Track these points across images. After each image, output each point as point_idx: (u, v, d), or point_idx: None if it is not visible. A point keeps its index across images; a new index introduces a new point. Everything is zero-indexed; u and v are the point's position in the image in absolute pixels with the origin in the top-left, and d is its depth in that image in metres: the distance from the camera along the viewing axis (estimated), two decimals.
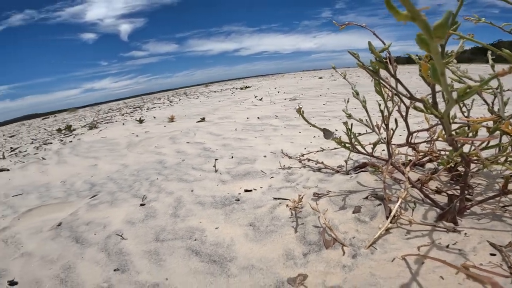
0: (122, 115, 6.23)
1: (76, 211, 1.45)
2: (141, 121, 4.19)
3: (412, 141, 1.32)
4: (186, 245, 1.02)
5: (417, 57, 0.82)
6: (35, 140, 4.63)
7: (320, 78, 10.76)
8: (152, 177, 1.76)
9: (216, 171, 1.70)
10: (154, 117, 4.62)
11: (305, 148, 1.91)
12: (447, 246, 0.76)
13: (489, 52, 0.91)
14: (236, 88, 10.00)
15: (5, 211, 1.60)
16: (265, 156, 1.84)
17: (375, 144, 1.04)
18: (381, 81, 0.85)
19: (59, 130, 4.82)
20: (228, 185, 1.49)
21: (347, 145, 0.98)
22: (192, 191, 1.47)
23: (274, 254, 0.89)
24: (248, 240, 0.99)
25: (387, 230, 0.85)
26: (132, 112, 6.47)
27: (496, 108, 1.01)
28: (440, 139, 1.22)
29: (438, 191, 1.06)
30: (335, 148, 1.65)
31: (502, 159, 0.89)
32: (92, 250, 1.07)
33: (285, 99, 4.94)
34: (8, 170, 2.61)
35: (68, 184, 1.93)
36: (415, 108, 0.69)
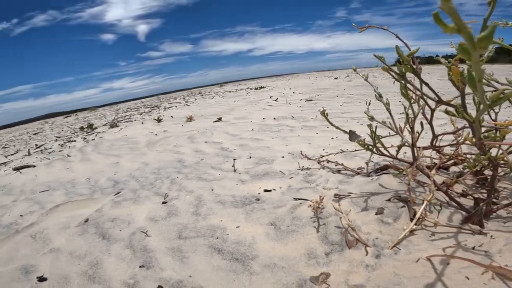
0: (140, 114, 6.40)
1: (101, 207, 1.50)
2: (159, 120, 4.29)
3: (437, 144, 1.30)
4: (208, 243, 1.05)
5: (446, 61, 0.81)
6: (59, 137, 4.84)
7: (336, 78, 10.63)
8: (172, 176, 1.80)
9: (235, 170, 1.73)
10: (172, 117, 4.72)
11: (323, 150, 1.90)
12: (473, 248, 0.75)
13: None
14: (251, 88, 10.03)
15: (33, 207, 1.67)
16: (283, 157, 1.84)
17: (399, 147, 1.02)
18: (408, 84, 0.84)
19: (81, 128, 5.01)
20: (247, 184, 1.51)
21: (370, 147, 0.97)
22: (212, 190, 1.50)
23: (296, 253, 0.90)
24: (269, 239, 1.00)
25: (411, 232, 0.84)
26: (150, 112, 6.63)
27: None
28: (466, 142, 1.19)
29: (463, 194, 1.04)
30: (355, 150, 1.64)
31: None
32: (118, 247, 1.11)
33: (300, 99, 4.92)
34: (34, 166, 2.74)
35: (92, 181, 2.01)
36: (447, 112, 0.68)
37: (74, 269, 1.01)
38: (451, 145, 1.27)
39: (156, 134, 3.30)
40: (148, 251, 1.05)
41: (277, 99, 5.40)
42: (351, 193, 1.14)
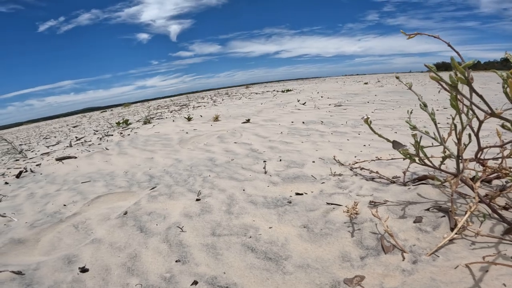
0: (171, 112, 6.65)
1: (138, 201, 1.59)
2: (189, 119, 4.44)
3: (481, 157, 1.24)
4: (241, 241, 1.08)
5: (504, 74, 0.78)
6: (97, 131, 5.16)
7: (366, 83, 10.34)
8: (204, 174, 1.87)
9: (265, 172, 1.75)
10: (201, 116, 4.86)
11: (355, 156, 1.88)
12: None
13: None
14: (277, 91, 10.05)
15: (75, 197, 1.78)
16: (313, 162, 1.84)
17: (444, 158, 1.00)
18: (460, 95, 0.82)
19: (118, 123, 5.31)
20: (278, 187, 1.53)
21: (413, 157, 0.95)
22: (243, 190, 1.54)
23: (330, 256, 0.90)
24: (302, 241, 1.02)
25: (451, 241, 0.83)
26: (179, 110, 6.87)
27: None
28: None
29: (506, 207, 0.99)
30: (391, 159, 1.60)
31: None
32: (155, 240, 1.16)
33: (329, 104, 4.86)
34: (75, 157, 2.95)
35: (129, 175, 2.13)
36: (503, 126, 0.66)
37: (114, 260, 1.05)
38: (495, 158, 1.21)
39: (187, 132, 3.42)
40: (183, 246, 1.09)
41: (305, 103, 5.37)
42: (387, 201, 1.12)
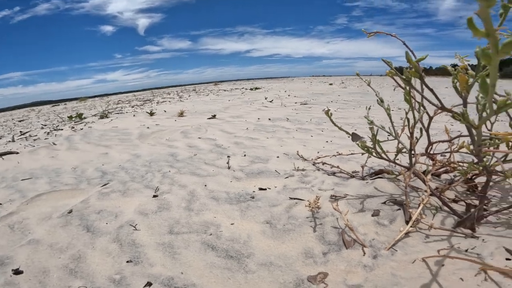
0: (132, 107, 6.28)
1: (87, 198, 1.44)
2: (152, 113, 4.22)
3: (431, 152, 1.31)
4: (202, 239, 1.02)
5: (453, 68, 0.81)
6: (45, 125, 4.68)
7: (331, 84, 10.74)
8: (164, 169, 1.76)
9: (229, 167, 1.70)
10: (165, 111, 4.65)
11: (317, 152, 1.90)
12: (466, 251, 0.77)
13: None
14: (246, 89, 10.03)
15: (13, 195, 1.57)
16: (278, 157, 1.83)
17: (398, 151, 1.03)
18: (413, 89, 0.84)
19: (70, 117, 4.87)
20: (242, 182, 1.49)
21: (370, 150, 0.97)
22: (205, 185, 1.47)
23: (293, 252, 0.88)
24: (265, 237, 0.98)
25: (407, 234, 0.85)
26: (142, 105, 6.52)
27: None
28: (461, 150, 1.21)
29: (455, 200, 1.05)
30: (351, 154, 1.64)
31: None
32: (103, 240, 1.05)
33: (295, 102, 4.94)
34: (17, 153, 2.63)
35: (79, 171, 1.94)
36: (453, 117, 0.69)
37: (54, 262, 0.95)
38: (444, 153, 1.29)
39: (148, 127, 3.23)
40: (136, 245, 1.01)
41: (272, 100, 5.40)
42: (347, 195, 1.14)
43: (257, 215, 1.14)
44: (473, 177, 1.04)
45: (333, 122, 0.97)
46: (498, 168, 1.01)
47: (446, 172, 1.35)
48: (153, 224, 1.15)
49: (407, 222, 0.88)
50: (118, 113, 5.04)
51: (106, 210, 1.30)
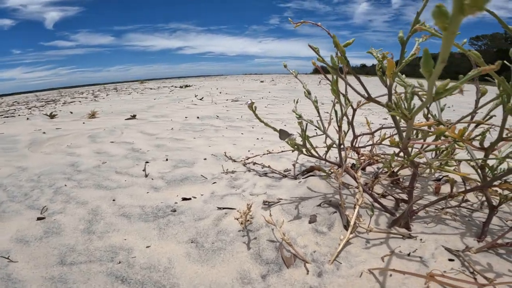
0: (30, 109, 5.18)
1: None
2: (52, 116, 3.49)
3: (356, 145, 1.31)
4: (107, 269, 0.78)
5: (378, 55, 0.76)
6: None
7: (262, 82, 10.97)
8: (58, 183, 1.39)
9: (146, 175, 1.43)
10: (71, 113, 3.92)
11: (248, 151, 1.78)
12: (408, 255, 0.72)
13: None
14: (176, 87, 9.43)
15: None
16: (205, 159, 1.64)
17: (329, 147, 0.96)
18: (341, 78, 0.76)
19: None
20: (161, 192, 1.25)
21: (300, 147, 0.87)
22: (113, 200, 1.19)
23: (226, 278, 0.72)
24: (191, 261, 0.80)
25: (347, 241, 0.76)
26: (43, 106, 5.44)
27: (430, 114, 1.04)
28: (384, 143, 1.22)
29: (383, 195, 1.04)
30: (281, 151, 1.56)
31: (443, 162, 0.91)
32: None
33: (227, 99, 4.78)
34: None
35: None
36: (388, 106, 0.62)
37: None
38: (366, 146, 1.31)
39: (44, 132, 2.63)
40: (14, 281, 0.75)
41: (202, 98, 5.13)
42: (281, 199, 1.03)
43: (180, 232, 0.95)
44: (398, 171, 1.04)
45: (257, 117, 0.84)
46: (423, 160, 1.04)
47: (369, 164, 1.37)
48: (37, 253, 0.87)
49: (345, 227, 0.81)
50: (8, 117, 4.06)
51: None
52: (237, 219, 0.87)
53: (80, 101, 5.87)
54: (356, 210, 0.73)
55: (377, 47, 0.77)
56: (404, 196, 1.02)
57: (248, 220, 0.84)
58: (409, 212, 0.79)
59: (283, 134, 0.75)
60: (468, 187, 1.02)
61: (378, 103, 0.78)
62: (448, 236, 0.79)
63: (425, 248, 0.74)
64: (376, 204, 0.91)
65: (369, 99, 0.80)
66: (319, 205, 0.94)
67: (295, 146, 0.87)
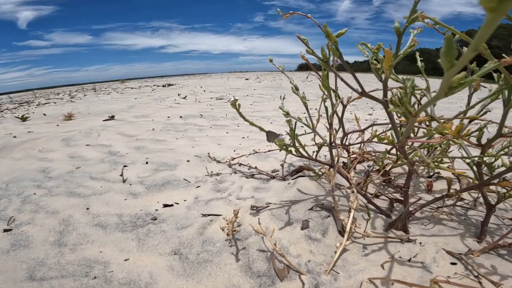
0: (1, 111, 4.86)
1: None
2: (24, 118, 3.27)
3: (346, 143, 1.27)
4: (81, 285, 0.71)
5: (372, 47, 0.70)
6: None
7: (247, 79, 10.87)
8: (27, 192, 1.27)
9: (124, 180, 1.33)
10: (45, 115, 3.70)
11: (234, 151, 1.71)
12: (409, 260, 0.68)
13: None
14: (158, 86, 9.18)
15: None
16: (188, 161, 1.55)
17: (320, 147, 0.90)
18: (331, 71, 0.70)
19: None
20: (141, 199, 1.16)
21: (289, 148, 0.81)
22: (87, 209, 1.10)
23: None
24: (175, 276, 0.72)
25: (344, 248, 0.71)
26: (16, 109, 5.12)
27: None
28: (374, 140, 1.18)
29: (377, 195, 1.00)
30: (268, 151, 1.50)
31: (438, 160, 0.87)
32: None
33: (211, 98, 4.67)
34: None
35: None
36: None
37: None
38: (360, 143, 1.26)
39: (15, 136, 2.44)
40: None
41: (185, 97, 4.99)
42: (270, 203, 0.96)
43: (162, 243, 0.86)
44: (390, 169, 1.00)
45: (241, 115, 0.77)
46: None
47: (359, 162, 1.33)
48: (3, 268, 0.79)
49: (340, 232, 0.75)
50: None
51: None
52: (223, 229, 0.79)
53: (55, 102, 5.57)
54: (352, 215, 0.68)
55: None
56: (398, 195, 0.98)
57: (234, 230, 0.76)
58: (407, 214, 0.74)
59: (271, 136, 0.69)
60: (463, 186, 0.99)
61: (374, 98, 0.72)
62: (447, 238, 0.75)
63: (426, 252, 0.69)
64: (370, 205, 0.86)
65: (363, 94, 0.74)
66: (311, 208, 0.88)
67: (284, 147, 0.81)
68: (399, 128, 0.96)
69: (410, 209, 0.79)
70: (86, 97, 6.43)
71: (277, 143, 0.72)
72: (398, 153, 0.97)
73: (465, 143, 0.81)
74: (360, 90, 0.74)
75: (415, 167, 0.80)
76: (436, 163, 0.73)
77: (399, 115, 0.72)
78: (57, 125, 2.84)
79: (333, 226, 0.79)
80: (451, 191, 0.73)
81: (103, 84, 17.23)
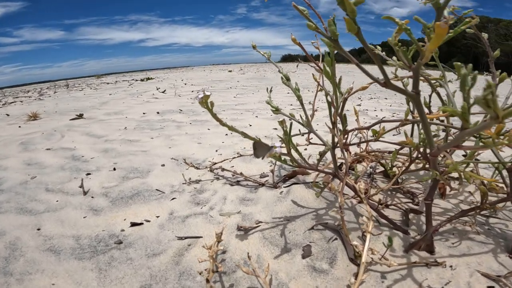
0: None
1: None
2: None
3: (347, 142, 1.11)
4: None
5: (402, 22, 0.53)
6: None
7: (230, 71, 10.59)
8: None
9: (85, 193, 1.12)
10: (8, 115, 3.33)
11: (216, 150, 1.52)
12: None
13: None
14: (136, 80, 8.73)
15: None
16: (163, 165, 1.35)
17: (322, 155, 0.74)
18: (342, 52, 0.52)
19: None
20: (104, 215, 0.96)
21: (284, 158, 0.63)
22: (38, 229, 0.90)
23: None
24: None
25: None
26: None
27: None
28: (380, 139, 1.03)
29: (387, 205, 0.85)
30: None
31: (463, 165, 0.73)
32: None
33: (192, 91, 4.42)
34: None
35: None
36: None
37: None
38: (360, 143, 1.11)
39: None
40: None
41: (164, 91, 4.70)
42: (260, 222, 0.79)
43: (128, 275, 0.68)
44: (401, 174, 0.85)
45: (216, 118, 0.58)
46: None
47: (358, 162, 1.19)
48: None
49: (351, 260, 0.59)
50: None
51: None
52: (201, 262, 0.61)
53: (21, 101, 5.11)
54: (368, 241, 0.52)
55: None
56: (411, 204, 0.84)
57: (220, 253, 0.59)
58: (432, 232, 0.59)
59: (261, 149, 0.50)
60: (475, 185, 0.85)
61: (401, 91, 0.55)
62: (479, 257, 0.62)
63: (459, 277, 0.56)
64: (382, 219, 0.71)
65: (387, 85, 0.57)
66: (312, 228, 0.71)
67: (282, 160, 0.63)
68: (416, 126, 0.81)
69: (434, 223, 0.64)
70: (56, 94, 5.97)
71: (273, 157, 0.54)
72: (417, 156, 0.82)
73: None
74: (382, 80, 0.57)
75: (445, 177, 0.66)
76: (465, 171, 0.58)
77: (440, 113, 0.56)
78: (19, 127, 2.52)
79: (342, 251, 0.63)
80: (487, 203, 0.59)
81: (78, 80, 16.33)
